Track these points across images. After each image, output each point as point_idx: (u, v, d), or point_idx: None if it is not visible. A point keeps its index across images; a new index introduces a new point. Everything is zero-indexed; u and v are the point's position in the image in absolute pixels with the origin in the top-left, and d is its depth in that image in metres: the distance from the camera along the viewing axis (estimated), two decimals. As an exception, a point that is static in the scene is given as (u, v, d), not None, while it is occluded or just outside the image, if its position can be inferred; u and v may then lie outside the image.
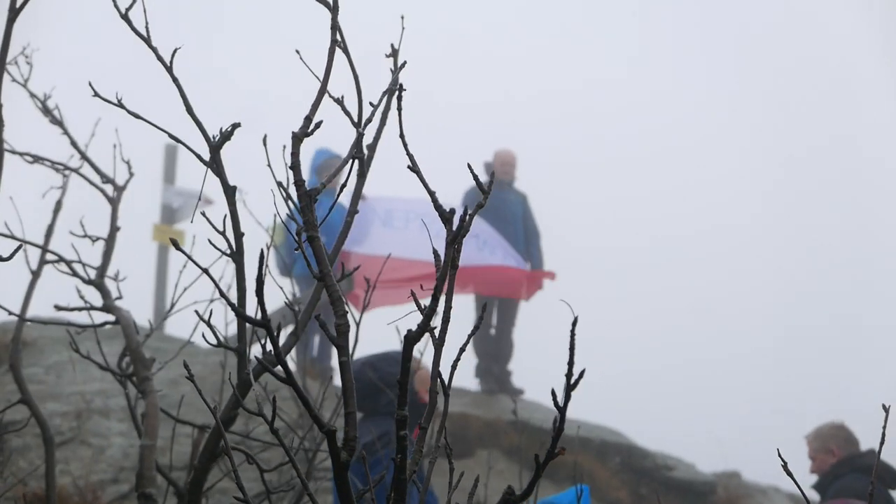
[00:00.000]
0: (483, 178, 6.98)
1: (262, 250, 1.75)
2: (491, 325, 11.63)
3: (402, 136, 1.76)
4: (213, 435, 2.55)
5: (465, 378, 11.85)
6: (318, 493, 5.14)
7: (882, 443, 2.44)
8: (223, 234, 2.47)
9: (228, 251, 2.51)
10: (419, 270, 8.85)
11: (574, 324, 1.62)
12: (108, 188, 3.55)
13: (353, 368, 5.55)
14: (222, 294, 1.90)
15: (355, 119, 2.26)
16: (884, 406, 2.33)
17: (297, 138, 1.81)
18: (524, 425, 9.55)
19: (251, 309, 2.38)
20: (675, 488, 11.53)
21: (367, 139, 2.38)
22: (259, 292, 1.66)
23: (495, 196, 10.72)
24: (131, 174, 3.92)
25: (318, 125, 1.89)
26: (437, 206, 1.66)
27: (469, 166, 1.78)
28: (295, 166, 1.76)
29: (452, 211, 1.70)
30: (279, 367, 1.74)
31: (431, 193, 1.69)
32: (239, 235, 2.42)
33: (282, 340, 2.82)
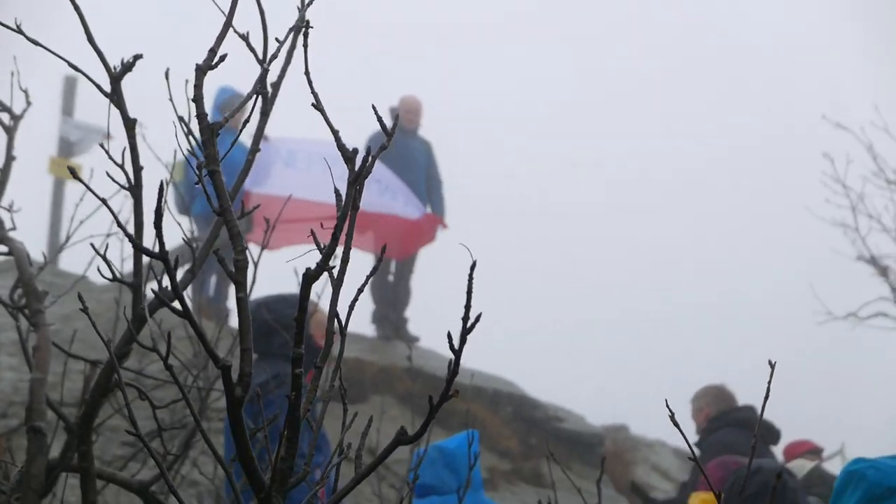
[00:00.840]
0: (388, 123, 6.95)
1: (161, 182, 1.73)
2: (389, 272, 11.62)
3: (307, 73, 1.74)
4: (105, 369, 2.52)
5: (362, 324, 11.86)
6: (211, 433, 5.11)
7: (766, 398, 2.50)
8: (122, 167, 2.41)
9: (127, 185, 2.46)
10: (321, 212, 8.77)
11: (472, 268, 1.62)
12: (5, 117, 3.45)
13: (249, 308, 5.52)
14: (120, 225, 1.86)
15: (260, 55, 2.22)
16: (770, 362, 2.39)
17: (201, 70, 1.77)
18: (418, 372, 9.63)
19: (149, 244, 2.34)
20: (564, 439, 11.69)
21: (273, 77, 2.35)
22: (157, 225, 1.63)
23: (399, 143, 10.70)
24: (29, 103, 3.82)
25: (222, 58, 1.85)
26: (340, 146, 1.65)
27: (374, 108, 1.76)
28: (197, 99, 1.73)
29: (355, 150, 1.68)
30: (176, 302, 1.72)
31: (335, 133, 1.67)
32: (138, 169, 2.37)
33: (179, 277, 2.80)
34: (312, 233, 1.69)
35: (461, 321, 1.61)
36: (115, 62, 2.37)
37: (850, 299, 9.82)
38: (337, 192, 1.71)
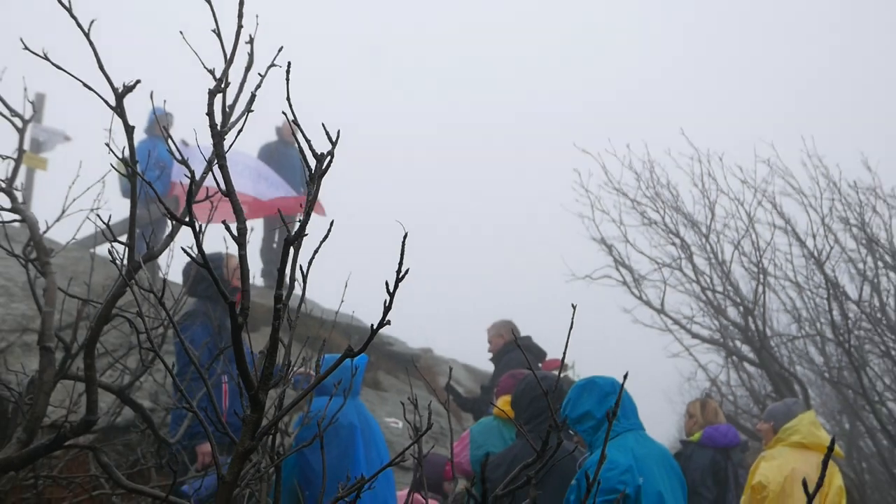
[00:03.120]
0: (275, 138, 6.84)
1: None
2: (274, 241, 11.39)
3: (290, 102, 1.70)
4: (106, 304, 2.42)
5: (255, 278, 11.65)
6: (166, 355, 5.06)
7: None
8: (124, 160, 2.33)
9: (127, 174, 2.38)
10: (243, 199, 8.84)
11: (405, 238, 1.61)
12: (17, 121, 3.30)
13: (185, 267, 5.34)
14: (166, 208, 1.78)
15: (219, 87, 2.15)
16: (570, 308, 2.45)
17: (212, 93, 1.73)
18: (302, 313, 9.52)
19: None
20: (393, 358, 11.79)
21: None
22: (189, 202, 1.58)
23: (282, 152, 10.62)
24: (35, 111, 3.66)
25: (225, 84, 1.80)
26: (312, 150, 1.63)
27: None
28: (211, 114, 1.68)
29: (323, 154, 1.67)
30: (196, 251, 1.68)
31: (308, 141, 1.65)
32: (133, 162, 2.27)
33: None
34: (280, 212, 1.67)
35: (395, 274, 1.60)
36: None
37: (587, 266, 10.14)
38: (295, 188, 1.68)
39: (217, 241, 5.00)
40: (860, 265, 8.85)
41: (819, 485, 1.38)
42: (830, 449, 1.56)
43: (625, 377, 2.30)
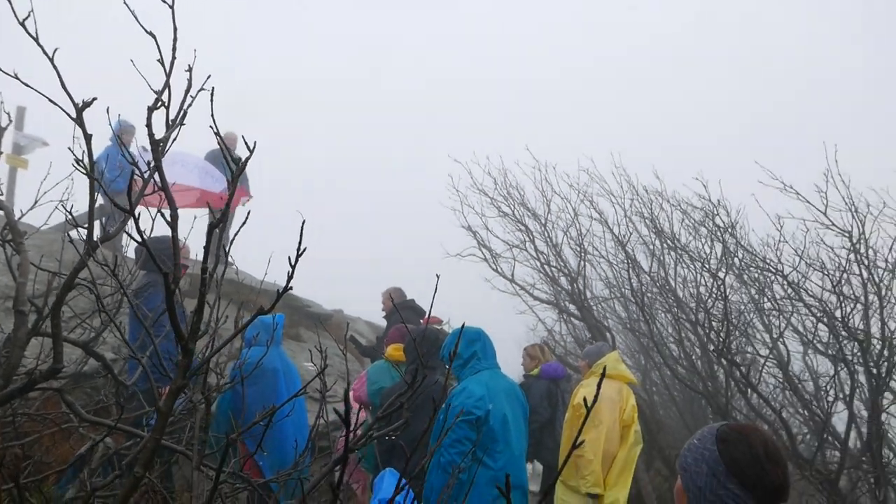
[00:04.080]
0: (217, 147, 6.50)
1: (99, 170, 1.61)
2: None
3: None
4: (71, 274, 2.29)
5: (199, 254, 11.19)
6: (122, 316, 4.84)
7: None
8: (81, 162, 2.19)
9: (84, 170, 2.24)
10: (192, 192, 8.51)
11: (302, 225, 1.59)
12: (-6, 129, 3.05)
13: (138, 246, 5.08)
14: (125, 204, 1.69)
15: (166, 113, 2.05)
16: (437, 276, 2.46)
17: (150, 110, 1.65)
18: (233, 281, 9.20)
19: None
20: (311, 317, 11.59)
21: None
22: (129, 194, 1.51)
23: (220, 157, 10.23)
24: (11, 121, 3.40)
25: (161, 103, 1.72)
26: (225, 154, 1.58)
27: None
28: (149, 126, 1.61)
29: (240, 159, 1.62)
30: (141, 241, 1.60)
31: (227, 149, 1.60)
32: (92, 164, 2.15)
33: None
34: (209, 204, 1.61)
35: (295, 249, 1.58)
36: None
37: (458, 247, 10.18)
38: (227, 179, 1.63)
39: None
40: (651, 246, 9.22)
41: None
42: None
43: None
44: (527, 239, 9.94)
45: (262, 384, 4.56)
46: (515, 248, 10.02)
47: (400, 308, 7.47)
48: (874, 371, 5.76)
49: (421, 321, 7.38)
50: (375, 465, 4.33)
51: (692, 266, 8.30)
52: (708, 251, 7.97)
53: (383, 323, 8.23)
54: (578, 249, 9.63)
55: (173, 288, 1.50)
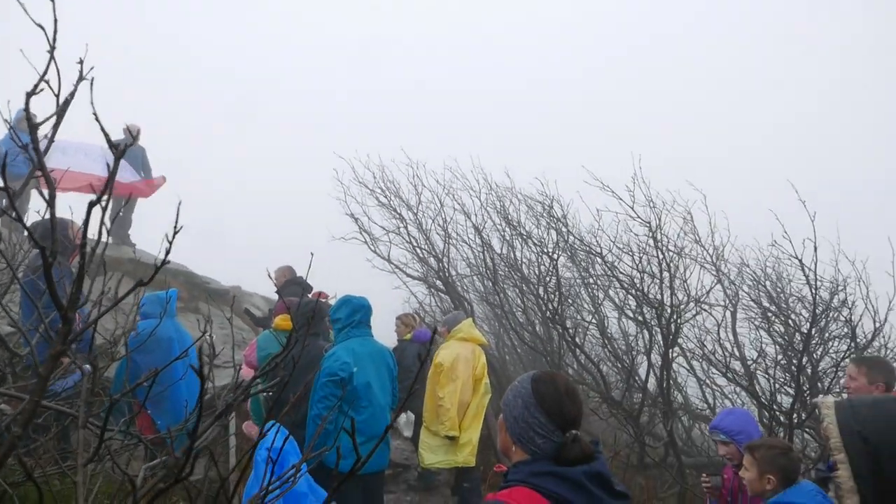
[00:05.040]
0: (122, 136, 6.00)
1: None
2: (121, 208, 10.07)
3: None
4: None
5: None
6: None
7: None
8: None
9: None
10: (83, 176, 7.76)
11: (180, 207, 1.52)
12: None
13: (31, 226, 4.63)
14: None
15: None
16: (312, 254, 2.40)
17: (28, 95, 1.51)
18: (135, 260, 8.57)
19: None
20: (212, 292, 11.03)
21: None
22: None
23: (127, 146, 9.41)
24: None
25: (39, 89, 1.57)
26: (111, 145, 1.48)
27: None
28: (27, 109, 1.46)
29: (120, 144, 1.52)
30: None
31: (108, 136, 1.50)
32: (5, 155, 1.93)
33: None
34: (92, 186, 1.50)
35: (172, 228, 1.51)
36: None
37: (342, 231, 10.05)
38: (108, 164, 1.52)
39: (66, 210, 4.36)
40: (502, 233, 9.53)
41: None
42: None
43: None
44: (401, 225, 9.98)
45: (158, 353, 4.30)
46: (392, 232, 10.03)
47: (290, 284, 7.29)
48: (665, 331, 6.29)
49: (309, 296, 7.24)
50: (262, 418, 4.23)
51: (534, 249, 8.67)
52: (546, 237, 8.36)
53: (275, 297, 8.00)
54: (444, 234, 9.79)
55: (50, 262, 1.39)
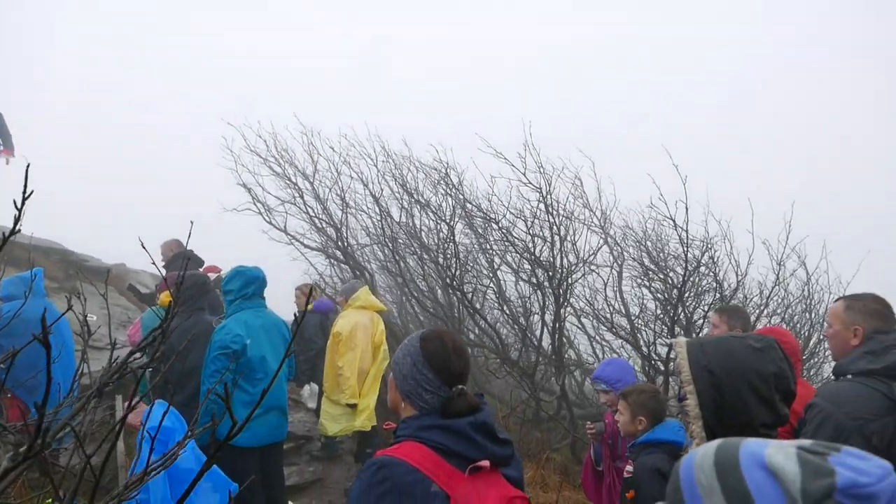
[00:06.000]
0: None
1: None
2: None
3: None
4: None
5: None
6: None
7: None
8: None
9: None
10: None
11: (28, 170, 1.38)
12: None
13: None
14: None
15: None
16: (192, 222, 2.29)
17: None
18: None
19: None
20: (90, 271, 10.25)
21: None
22: None
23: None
24: None
25: None
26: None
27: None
28: None
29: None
30: None
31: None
32: None
33: None
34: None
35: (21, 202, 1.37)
36: None
37: (234, 202, 9.65)
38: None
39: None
40: (400, 201, 9.52)
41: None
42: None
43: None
44: (297, 195, 9.70)
45: (28, 335, 3.95)
46: (287, 203, 9.73)
47: (177, 258, 6.92)
48: (557, 292, 6.62)
49: (201, 269, 6.92)
50: (149, 397, 4.03)
51: (432, 217, 8.75)
52: (444, 204, 8.45)
53: (164, 272, 7.57)
54: (342, 204, 9.63)
55: None
